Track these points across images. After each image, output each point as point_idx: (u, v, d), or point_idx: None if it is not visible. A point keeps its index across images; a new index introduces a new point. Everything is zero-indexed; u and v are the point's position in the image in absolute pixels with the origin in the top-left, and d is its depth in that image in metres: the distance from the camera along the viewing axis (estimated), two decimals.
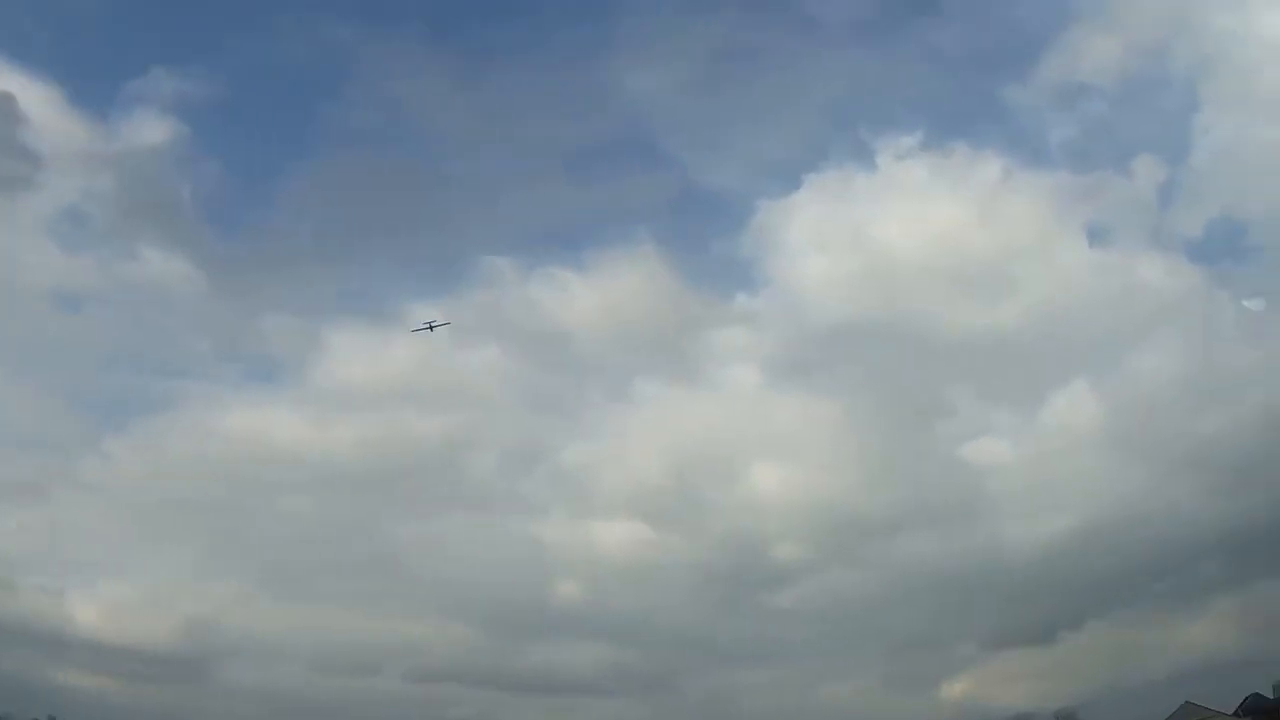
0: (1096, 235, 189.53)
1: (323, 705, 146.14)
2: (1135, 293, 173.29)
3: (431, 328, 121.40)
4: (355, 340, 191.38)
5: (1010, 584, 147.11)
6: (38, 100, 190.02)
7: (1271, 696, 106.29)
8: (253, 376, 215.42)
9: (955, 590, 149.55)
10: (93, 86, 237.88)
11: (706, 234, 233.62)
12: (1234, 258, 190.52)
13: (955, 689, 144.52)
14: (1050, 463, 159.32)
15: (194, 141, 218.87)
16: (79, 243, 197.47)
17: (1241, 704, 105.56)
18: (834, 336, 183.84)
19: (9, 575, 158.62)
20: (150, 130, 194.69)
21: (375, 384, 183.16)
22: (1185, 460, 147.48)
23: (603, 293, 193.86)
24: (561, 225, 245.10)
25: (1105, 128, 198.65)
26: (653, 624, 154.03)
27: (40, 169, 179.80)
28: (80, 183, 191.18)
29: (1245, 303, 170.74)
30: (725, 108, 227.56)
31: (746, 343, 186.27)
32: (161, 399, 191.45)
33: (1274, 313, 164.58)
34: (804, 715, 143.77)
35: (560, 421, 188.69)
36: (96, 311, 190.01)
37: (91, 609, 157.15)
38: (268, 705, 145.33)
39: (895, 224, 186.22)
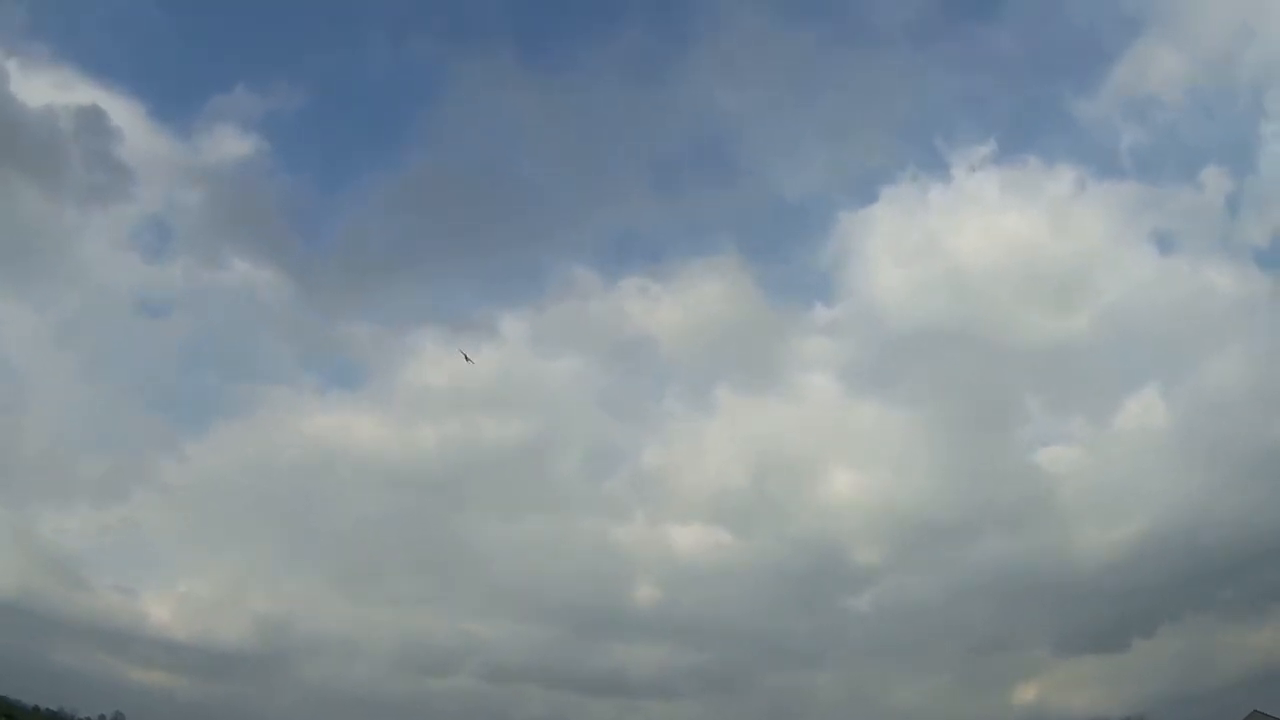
0: (1166, 243, 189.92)
1: (398, 704, 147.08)
2: (1204, 299, 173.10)
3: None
4: (437, 347, 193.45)
5: (1083, 589, 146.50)
6: (124, 114, 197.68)
7: None
8: (334, 382, 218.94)
9: (1028, 595, 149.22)
10: (177, 102, 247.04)
11: (786, 245, 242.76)
12: None
13: (1027, 693, 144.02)
14: (1121, 468, 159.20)
15: (276, 155, 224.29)
16: (165, 251, 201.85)
17: None
18: (910, 345, 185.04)
19: (84, 574, 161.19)
20: (234, 145, 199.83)
21: (457, 390, 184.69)
22: (1253, 466, 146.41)
23: (685, 301, 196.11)
24: (644, 235, 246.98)
25: (1173, 138, 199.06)
26: (727, 626, 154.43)
27: (130, 181, 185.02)
28: (167, 194, 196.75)
29: None
30: (803, 121, 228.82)
31: (825, 351, 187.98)
32: (242, 403, 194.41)
33: None
34: (874, 715, 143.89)
35: (641, 427, 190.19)
36: (181, 317, 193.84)
37: (165, 607, 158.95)
38: (341, 704, 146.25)
39: (970, 234, 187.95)
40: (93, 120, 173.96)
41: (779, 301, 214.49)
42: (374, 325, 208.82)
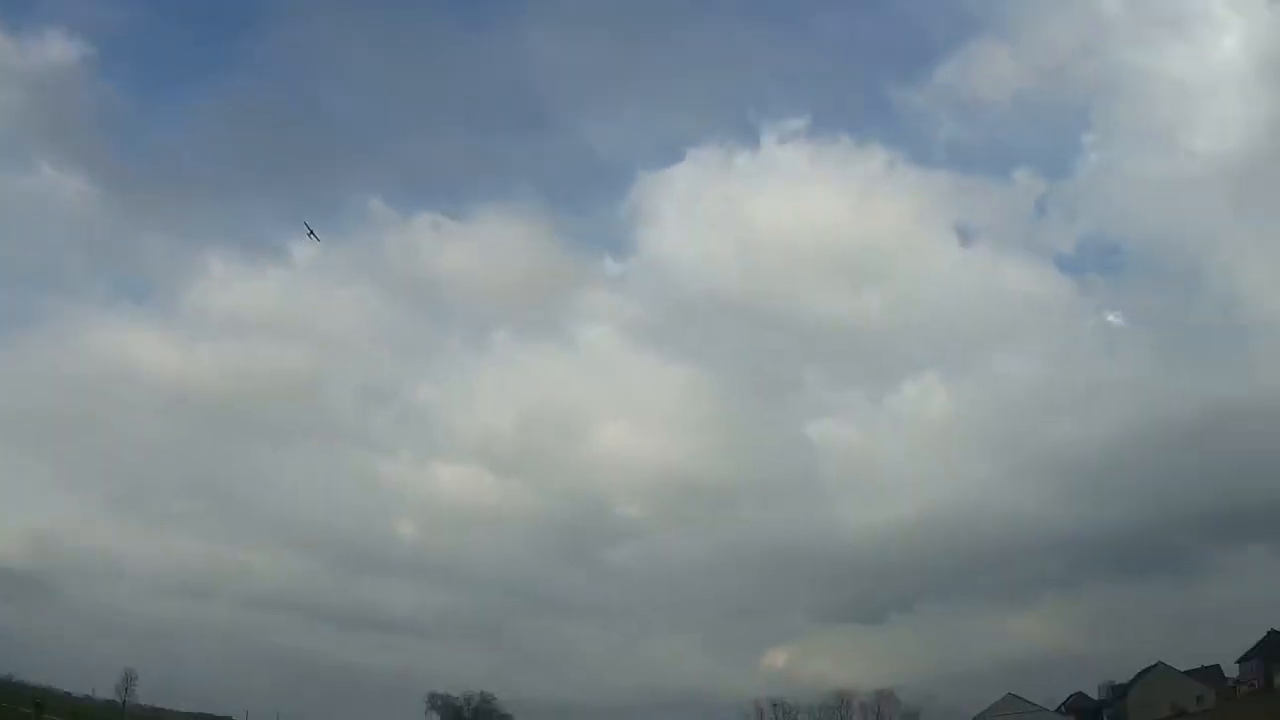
0: (968, 235, 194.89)
1: (155, 627, 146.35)
2: (1000, 295, 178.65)
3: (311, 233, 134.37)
4: (230, 268, 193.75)
5: (843, 562, 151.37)
6: None
7: (1096, 697, 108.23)
8: (125, 295, 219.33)
9: (789, 563, 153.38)
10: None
11: (587, 197, 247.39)
12: (1101, 272, 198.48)
13: (778, 658, 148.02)
14: (893, 449, 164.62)
15: (102, 63, 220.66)
16: None
17: (1065, 701, 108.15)
18: (695, 307, 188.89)
19: None
20: (59, 49, 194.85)
21: (244, 312, 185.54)
22: (1031, 462, 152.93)
23: (477, 243, 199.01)
24: (446, 174, 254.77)
25: (992, 137, 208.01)
26: (486, 570, 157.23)
27: None
28: None
29: (1108, 316, 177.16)
30: (621, 76, 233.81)
31: (608, 306, 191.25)
32: (29, 311, 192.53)
33: (1134, 329, 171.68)
34: (624, 669, 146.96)
35: (417, 364, 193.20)
36: None
37: None
38: (104, 624, 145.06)
39: (771, 205, 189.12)
40: None
41: (571, 252, 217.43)
42: (170, 240, 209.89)
